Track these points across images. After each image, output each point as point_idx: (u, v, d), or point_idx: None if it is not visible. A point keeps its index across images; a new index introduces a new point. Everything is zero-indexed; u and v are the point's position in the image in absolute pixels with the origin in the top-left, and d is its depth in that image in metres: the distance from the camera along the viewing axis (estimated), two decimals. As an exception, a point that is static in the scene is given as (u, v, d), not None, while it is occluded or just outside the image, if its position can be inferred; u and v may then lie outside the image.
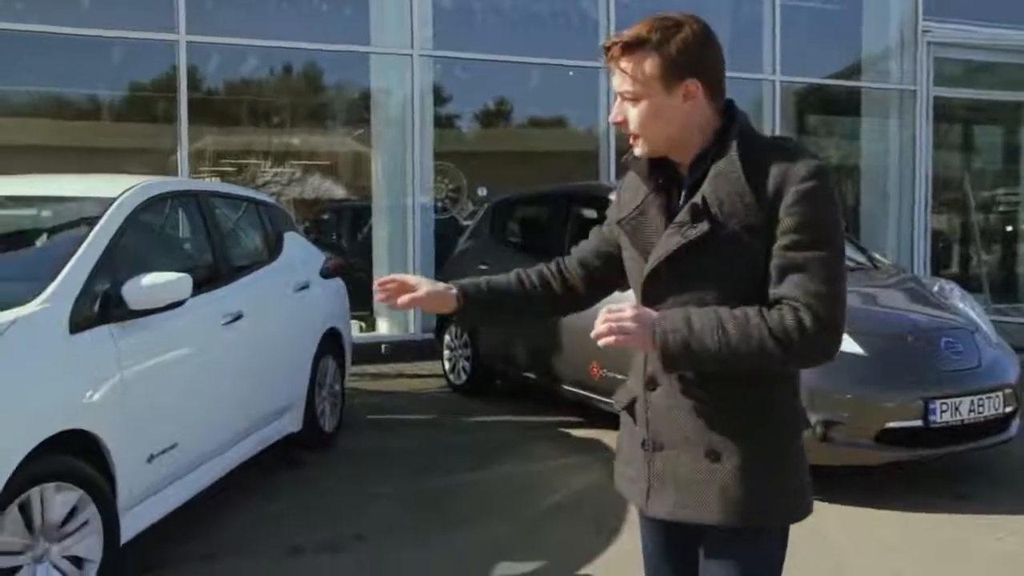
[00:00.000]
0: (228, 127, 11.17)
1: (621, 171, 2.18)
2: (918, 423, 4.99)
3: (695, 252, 1.91)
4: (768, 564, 2.01)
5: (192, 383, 4.47)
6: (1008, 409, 5.30)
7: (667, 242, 1.94)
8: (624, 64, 1.94)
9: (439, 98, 10.18)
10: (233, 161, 11.02)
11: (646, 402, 2.04)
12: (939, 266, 12.53)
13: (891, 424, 4.97)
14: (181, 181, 6.19)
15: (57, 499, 3.47)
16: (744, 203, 1.88)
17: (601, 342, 1.89)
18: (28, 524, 3.39)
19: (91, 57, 9.51)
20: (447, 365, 8.09)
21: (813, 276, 1.85)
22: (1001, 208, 13.83)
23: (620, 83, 1.96)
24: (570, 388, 6.61)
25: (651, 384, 2.02)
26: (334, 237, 12.09)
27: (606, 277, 2.25)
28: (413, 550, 4.47)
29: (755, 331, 1.84)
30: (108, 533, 3.66)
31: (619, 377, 5.93)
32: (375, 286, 2.22)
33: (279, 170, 11.32)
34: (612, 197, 6.53)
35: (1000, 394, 5.23)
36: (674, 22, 1.93)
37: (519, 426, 6.84)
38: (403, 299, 2.19)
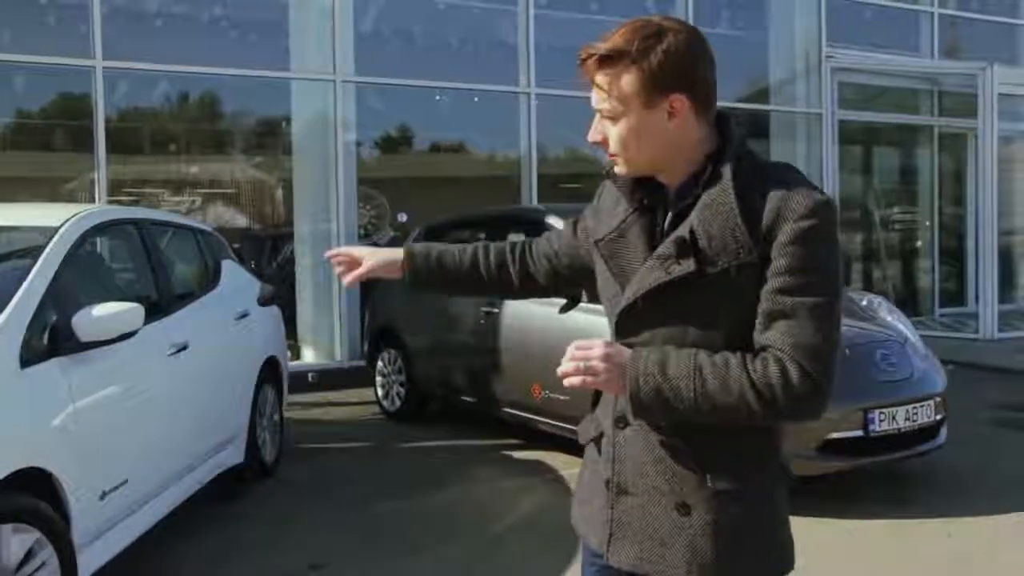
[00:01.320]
0: (130, 155, 10.90)
1: (604, 179, 1.97)
2: (859, 433, 5.16)
3: (678, 290, 1.73)
4: None
5: (142, 416, 4.35)
6: (938, 417, 5.52)
7: (647, 276, 1.76)
8: (600, 79, 1.75)
9: (360, 124, 10.12)
10: (132, 191, 10.76)
11: (614, 441, 1.85)
12: (846, 282, 12.98)
13: (833, 435, 5.11)
14: (121, 209, 6.01)
15: (14, 541, 3.33)
16: (735, 239, 1.68)
17: (567, 382, 1.73)
18: (-15, 568, 3.25)
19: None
20: (380, 391, 8.02)
21: (803, 324, 1.66)
22: (898, 226, 14.39)
23: (597, 100, 1.77)
24: (510, 410, 6.62)
25: (620, 422, 1.83)
26: (252, 265, 11.90)
27: (570, 279, 2.14)
28: (373, 574, 4.42)
29: (735, 382, 1.67)
30: (66, 573, 3.53)
31: (561, 398, 6.00)
32: (327, 257, 2.19)
33: (180, 198, 11.11)
34: (548, 220, 6.53)
35: (932, 402, 5.45)
36: (655, 29, 1.72)
37: (459, 450, 6.82)
38: (350, 277, 2.16)
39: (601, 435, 1.91)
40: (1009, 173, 13.93)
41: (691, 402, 1.68)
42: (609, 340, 1.79)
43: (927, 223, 14.08)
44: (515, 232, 7.45)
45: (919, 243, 14.26)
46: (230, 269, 6.02)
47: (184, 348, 4.74)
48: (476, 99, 10.96)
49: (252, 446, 5.74)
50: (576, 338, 5.34)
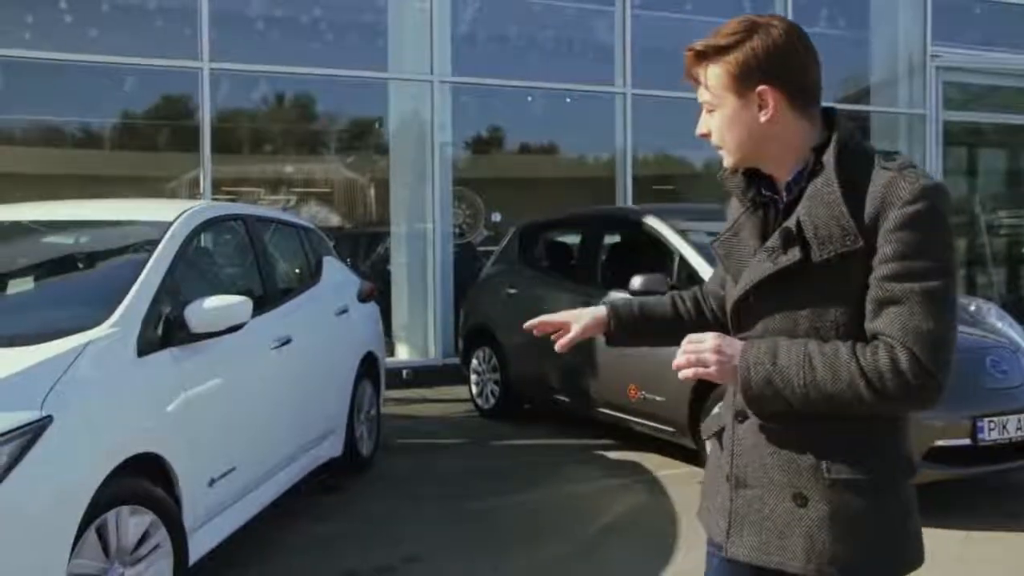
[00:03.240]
0: (231, 155, 11.17)
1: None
2: (966, 441, 5.01)
3: (786, 281, 1.76)
4: None
5: (247, 407, 4.46)
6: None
7: (757, 268, 1.80)
8: (698, 73, 1.83)
9: (456, 124, 10.22)
10: (231, 190, 11.02)
11: (733, 434, 1.88)
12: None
13: (939, 442, 4.97)
14: (229, 205, 6.21)
15: (131, 523, 3.45)
16: (841, 227, 1.69)
17: (681, 375, 1.79)
18: (104, 548, 3.36)
19: (101, 86, 9.54)
20: (475, 389, 8.08)
21: (914, 311, 1.65)
22: (1004, 230, 13.94)
23: (699, 93, 1.85)
24: (605, 411, 6.60)
25: (740, 416, 1.86)
26: (347, 263, 12.09)
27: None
28: (471, 569, 4.46)
29: (844, 370, 1.67)
30: (177, 556, 3.64)
31: (657, 399, 5.97)
32: (528, 327, 2.19)
33: (276, 197, 11.34)
34: (647, 220, 6.55)
35: (1031, 413, 5.25)
36: (749, 24, 1.78)
37: (553, 449, 6.83)
38: (564, 340, 2.16)
39: (723, 430, 1.94)
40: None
41: (801, 390, 1.69)
42: (720, 333, 1.82)
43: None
44: (611, 233, 7.45)
45: (1026, 248, 13.79)
46: (331, 265, 6.13)
47: (287, 342, 4.84)
48: (568, 100, 10.95)
49: (350, 440, 5.84)
50: None
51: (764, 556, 1.82)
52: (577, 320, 2.17)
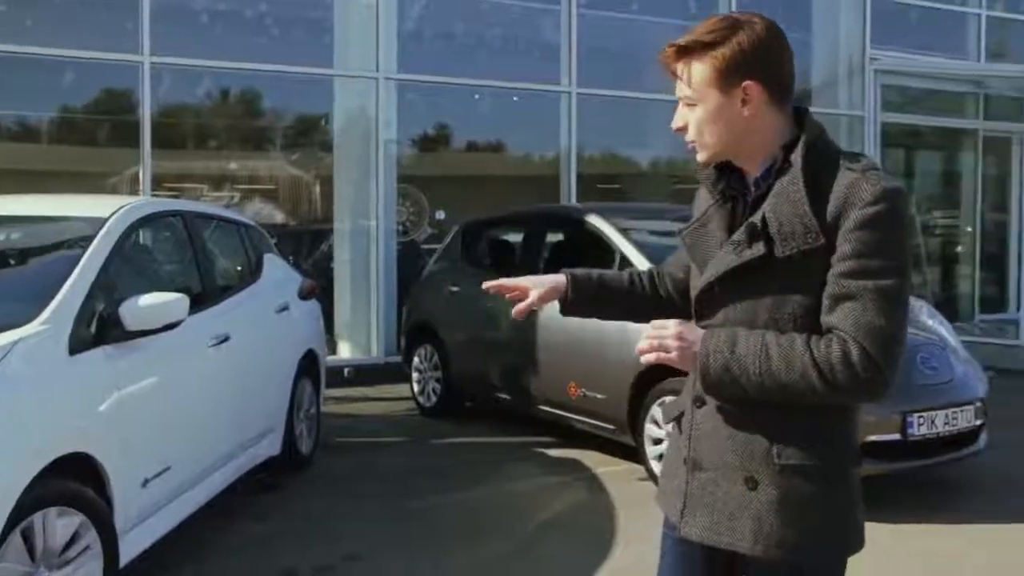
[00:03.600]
0: (173, 150, 11.00)
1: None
2: (896, 437, 5.12)
3: (749, 273, 1.83)
4: None
5: (183, 405, 4.42)
6: (978, 422, 5.47)
7: (722, 260, 1.87)
8: (679, 68, 1.88)
9: (401, 122, 10.19)
10: (173, 186, 10.87)
11: (692, 419, 1.96)
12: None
13: (871, 438, 5.07)
14: (167, 201, 6.12)
15: (59, 524, 3.40)
16: (804, 225, 1.76)
17: (643, 359, 1.87)
18: (30, 551, 3.31)
19: (39, 79, 9.36)
20: (416, 387, 8.07)
21: (867, 307, 1.73)
22: (939, 231, 14.24)
23: (678, 88, 1.90)
24: (546, 408, 6.63)
25: (698, 402, 1.94)
26: (289, 261, 11.99)
27: (681, 291, 2.20)
28: (411, 568, 4.47)
29: (798, 361, 1.75)
30: (108, 558, 3.59)
31: (598, 397, 6.02)
32: (486, 288, 2.22)
33: (220, 194, 11.21)
34: (589, 219, 6.59)
35: (972, 407, 5.40)
36: (732, 21, 1.85)
37: (494, 447, 6.85)
38: (520, 308, 2.18)
39: (683, 414, 2.02)
40: (1055, 179, 13.77)
41: (757, 379, 1.77)
42: (682, 320, 1.91)
43: (968, 228, 13.90)
44: (554, 231, 7.48)
45: (960, 248, 14.10)
46: (272, 262, 6.09)
47: (226, 339, 4.81)
48: (516, 98, 10.99)
49: (289, 438, 5.81)
50: (614, 337, 5.47)
51: (715, 536, 1.90)
52: (536, 286, 2.18)
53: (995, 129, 13.58)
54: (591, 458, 6.32)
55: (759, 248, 1.80)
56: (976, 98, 13.58)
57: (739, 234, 1.85)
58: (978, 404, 5.47)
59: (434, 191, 11.11)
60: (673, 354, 1.84)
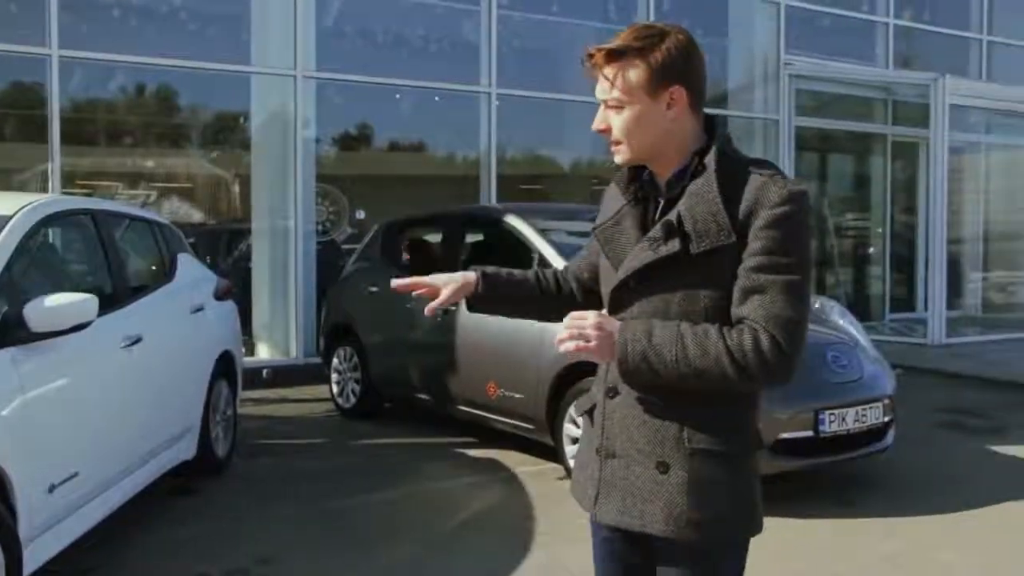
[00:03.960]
0: (85, 147, 10.75)
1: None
2: (809, 433, 5.24)
3: (665, 268, 1.93)
4: None
5: (93, 409, 4.31)
6: (887, 419, 5.62)
7: (639, 256, 1.96)
8: (608, 71, 1.94)
9: (320, 120, 10.09)
10: (86, 183, 10.63)
11: (604, 409, 2.04)
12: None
13: (784, 435, 5.18)
14: (76, 199, 5.94)
15: (-42, 534, 3.29)
16: (717, 224, 1.88)
17: (562, 348, 1.92)
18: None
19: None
20: (335, 388, 8.00)
21: (775, 299, 1.85)
22: (851, 232, 14.61)
23: (604, 91, 1.96)
24: (465, 408, 6.62)
25: (611, 392, 2.03)
26: (206, 260, 11.79)
27: (598, 287, 2.25)
28: (325, 570, 4.42)
29: (712, 348, 1.84)
30: (11, 567, 3.49)
31: (516, 396, 6.03)
32: (395, 287, 2.24)
33: (136, 192, 11.00)
34: (507, 219, 6.60)
35: (880, 404, 5.55)
36: (658, 31, 1.94)
37: (414, 447, 6.82)
38: (431, 306, 2.22)
39: (595, 407, 2.10)
40: (959, 183, 14.20)
41: (673, 366, 1.86)
42: (601, 312, 1.99)
43: (879, 230, 14.30)
44: (472, 231, 7.48)
45: (871, 249, 14.48)
46: (186, 262, 5.98)
47: (138, 341, 4.69)
48: (437, 98, 10.96)
49: (205, 441, 5.70)
50: (532, 338, 5.50)
51: (627, 519, 1.99)
52: (446, 284, 2.22)
53: (903, 134, 14.00)
54: (510, 458, 6.34)
55: (675, 245, 1.90)
56: (885, 103, 13.98)
57: (655, 232, 1.94)
58: (886, 401, 5.62)
59: (355, 191, 11.05)
60: (592, 343, 1.89)
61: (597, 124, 2.00)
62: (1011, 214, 14.20)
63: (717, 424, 1.94)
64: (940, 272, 11.89)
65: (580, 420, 5.50)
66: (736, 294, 1.89)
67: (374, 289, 7.61)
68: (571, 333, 1.90)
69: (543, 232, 6.32)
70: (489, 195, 10.54)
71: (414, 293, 2.24)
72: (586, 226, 7.18)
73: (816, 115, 13.38)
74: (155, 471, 5.06)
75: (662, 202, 2.01)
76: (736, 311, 1.89)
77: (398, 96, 10.92)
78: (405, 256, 7.88)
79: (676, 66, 1.92)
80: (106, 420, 4.44)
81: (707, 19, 12.95)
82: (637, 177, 2.06)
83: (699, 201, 1.90)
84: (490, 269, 2.29)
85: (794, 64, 12.57)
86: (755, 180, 1.90)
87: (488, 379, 6.25)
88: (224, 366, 6.07)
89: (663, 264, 1.93)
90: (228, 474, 6.00)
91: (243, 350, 6.95)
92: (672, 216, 1.93)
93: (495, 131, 10.63)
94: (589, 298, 2.26)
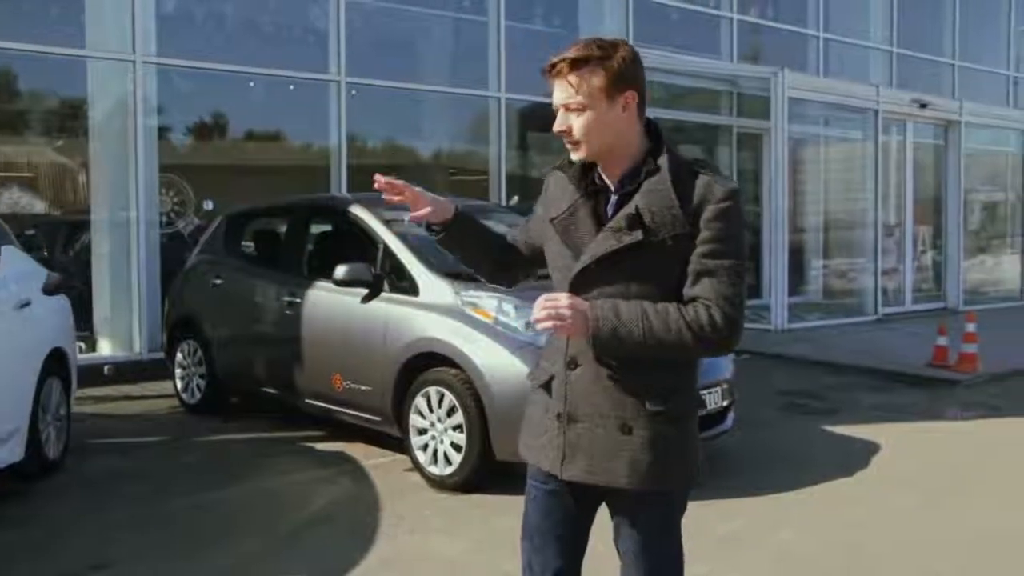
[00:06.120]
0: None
1: (549, 173, 2.46)
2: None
3: (626, 255, 2.19)
4: (672, 523, 2.38)
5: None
6: (726, 403, 5.80)
7: (602, 243, 2.22)
8: (572, 78, 2.19)
9: (162, 108, 9.75)
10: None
11: (565, 380, 2.31)
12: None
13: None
14: None
15: None
16: (672, 215, 2.17)
17: (540, 327, 2.16)
18: None
19: None
20: (179, 384, 7.77)
21: (723, 281, 2.17)
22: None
23: (566, 95, 2.20)
24: (312, 401, 6.52)
25: (572, 364, 2.29)
26: (43, 253, 11.25)
27: (526, 261, 2.58)
28: (163, 572, 4.29)
29: (674, 323, 2.15)
30: None
31: (362, 388, 5.99)
32: (377, 183, 2.40)
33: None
34: (352, 209, 6.45)
35: (719, 389, 5.72)
36: (611, 43, 2.21)
37: (260, 442, 6.69)
38: (416, 215, 2.42)
39: (551, 378, 2.36)
40: (801, 174, 14.79)
41: (640, 339, 2.15)
42: (570, 293, 2.23)
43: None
44: (317, 222, 7.37)
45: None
46: (12, 255, 5.69)
47: (-47, 338, 4.45)
48: (292, 87, 10.73)
49: (34, 443, 5.44)
50: (378, 328, 5.54)
51: (593, 476, 2.27)
52: (432, 200, 2.43)
53: (747, 126, 14.49)
54: (358, 450, 6.28)
55: (638, 234, 2.18)
56: (731, 96, 14.44)
57: (618, 222, 2.21)
58: (725, 386, 5.79)
59: (205, 180, 10.70)
60: (568, 322, 2.15)
61: (559, 126, 2.24)
62: (849, 203, 14.86)
63: (669, 388, 2.25)
64: (782, 260, 12.37)
65: (430, 410, 5.51)
66: (690, 277, 2.19)
67: (218, 281, 7.42)
68: (548, 313, 2.14)
69: (387, 223, 6.25)
70: (340, 185, 10.40)
71: (394, 198, 2.41)
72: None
73: (669, 107, 13.70)
74: (-24, 475, 4.81)
75: (614, 196, 2.27)
76: (689, 291, 2.19)
77: (251, 84, 10.64)
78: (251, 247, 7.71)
79: (629, 73, 2.20)
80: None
81: (557, 11, 13.09)
82: (586, 174, 2.31)
83: (656, 197, 2.19)
84: (463, 209, 2.51)
85: (642, 56, 12.82)
86: (702, 179, 2.19)
87: (334, 371, 6.18)
88: (55, 364, 5.81)
89: (624, 252, 2.19)
90: (61, 476, 5.76)
91: (77, 346, 6.66)
92: (631, 208, 2.19)
93: (345, 120, 10.49)
94: (526, 269, 2.61)
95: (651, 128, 2.29)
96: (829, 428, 7.13)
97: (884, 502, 5.38)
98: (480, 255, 2.58)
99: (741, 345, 7.12)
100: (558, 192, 2.37)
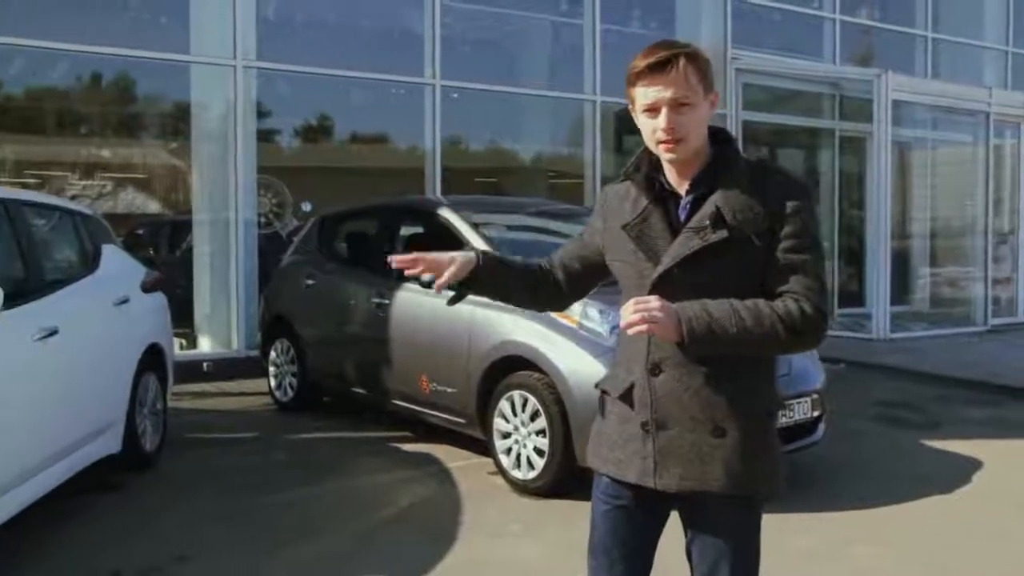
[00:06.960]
0: (31, 136, 10.55)
1: (617, 181, 2.41)
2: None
3: (707, 255, 2.18)
4: (755, 529, 2.33)
5: (1, 402, 4.21)
6: (815, 413, 5.64)
7: (684, 244, 2.20)
8: (691, 74, 2.16)
9: (262, 111, 9.98)
10: (36, 172, 10.43)
11: (649, 387, 2.25)
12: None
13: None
14: (-11, 189, 5.82)
15: None
16: (754, 213, 2.17)
17: (632, 331, 2.10)
18: None
19: None
20: (273, 382, 7.92)
21: (808, 274, 2.18)
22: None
23: (682, 91, 2.16)
24: (399, 403, 6.57)
25: (655, 370, 2.25)
26: (150, 252, 11.62)
27: (585, 280, 2.53)
28: (242, 566, 4.36)
29: (766, 317, 2.13)
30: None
31: (448, 391, 5.99)
32: (394, 262, 2.34)
33: (89, 183, 10.80)
34: (440, 212, 6.49)
35: (808, 399, 5.56)
36: (687, 43, 2.23)
37: (349, 442, 6.77)
38: (441, 281, 2.32)
39: (632, 386, 2.29)
40: (907, 179, 14.34)
41: (734, 335, 2.11)
42: (658, 296, 2.15)
43: (828, 225, 14.38)
44: (409, 223, 7.43)
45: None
46: (111, 254, 5.88)
47: (54, 333, 4.60)
48: (392, 91, 10.86)
49: (131, 435, 5.61)
50: (464, 331, 5.54)
51: (688, 482, 2.23)
52: (451, 261, 2.35)
53: (850, 129, 14.10)
54: (443, 452, 6.30)
55: (723, 232, 2.17)
56: (833, 99, 14.08)
57: (699, 221, 2.19)
58: (815, 396, 5.63)
59: (303, 182, 10.92)
60: (660, 323, 2.09)
61: (667, 123, 2.17)
62: (958, 209, 14.36)
63: (755, 391, 2.24)
64: (884, 267, 11.99)
65: (514, 414, 5.49)
66: (776, 273, 2.18)
67: (310, 282, 7.54)
68: (641, 316, 2.08)
69: (475, 226, 6.27)
70: (434, 187, 10.48)
71: (419, 273, 2.33)
72: (523, 219, 7.18)
73: (769, 110, 13.44)
74: (75, 465, 4.97)
75: (685, 200, 2.25)
76: (775, 286, 2.18)
77: (348, 88, 10.82)
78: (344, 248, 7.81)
79: (711, 74, 2.23)
80: (15, 413, 4.33)
81: (655, 12, 12.97)
82: (652, 181, 2.29)
83: (734, 195, 2.19)
84: (487, 254, 2.44)
85: (741, 58, 12.62)
86: (776, 178, 2.22)
87: (421, 373, 6.21)
88: (152, 359, 5.98)
89: (707, 251, 2.17)
90: (156, 470, 5.92)
91: (174, 343, 6.84)
92: (711, 207, 2.19)
93: (439, 123, 10.56)
94: (574, 288, 2.53)
95: (714, 131, 2.28)
96: (927, 442, 6.86)
97: (980, 522, 5.15)
98: (512, 295, 2.49)
99: (839, 354, 6.96)
100: (617, 202, 2.36)
